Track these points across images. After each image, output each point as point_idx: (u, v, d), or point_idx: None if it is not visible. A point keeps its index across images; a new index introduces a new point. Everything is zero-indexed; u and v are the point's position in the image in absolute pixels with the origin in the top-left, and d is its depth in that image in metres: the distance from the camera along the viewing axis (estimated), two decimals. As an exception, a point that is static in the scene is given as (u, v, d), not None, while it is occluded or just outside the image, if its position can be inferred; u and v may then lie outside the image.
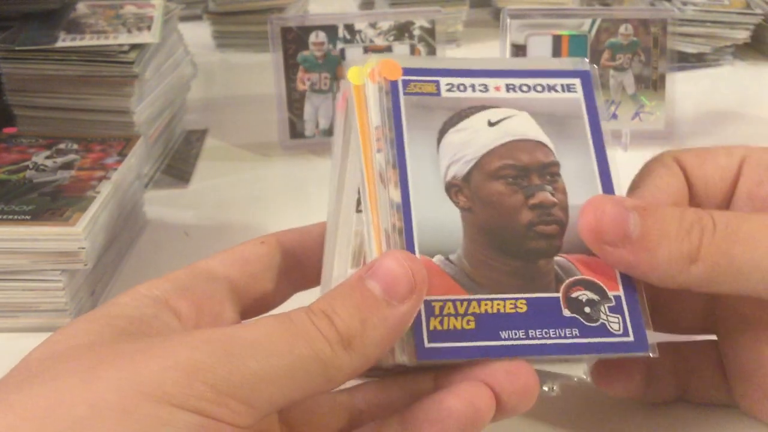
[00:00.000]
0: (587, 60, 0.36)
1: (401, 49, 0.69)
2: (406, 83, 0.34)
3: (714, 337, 0.36)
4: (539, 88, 0.35)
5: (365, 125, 0.33)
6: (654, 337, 0.31)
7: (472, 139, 0.33)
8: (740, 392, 0.35)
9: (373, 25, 0.69)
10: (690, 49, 0.92)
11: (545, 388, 0.30)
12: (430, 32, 0.69)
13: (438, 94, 0.34)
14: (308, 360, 0.25)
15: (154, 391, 0.23)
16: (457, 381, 0.29)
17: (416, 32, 0.69)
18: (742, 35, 0.93)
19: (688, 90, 0.80)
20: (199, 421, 0.23)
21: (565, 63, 0.36)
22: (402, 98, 0.33)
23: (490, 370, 0.29)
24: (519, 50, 0.67)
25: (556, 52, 0.68)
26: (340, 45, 0.68)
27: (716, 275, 0.30)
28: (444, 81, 0.34)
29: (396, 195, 0.31)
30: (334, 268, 0.32)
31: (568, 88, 0.35)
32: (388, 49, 0.69)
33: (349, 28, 0.69)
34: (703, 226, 0.30)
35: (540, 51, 0.67)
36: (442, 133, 0.33)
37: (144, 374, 0.23)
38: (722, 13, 0.92)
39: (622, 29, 0.70)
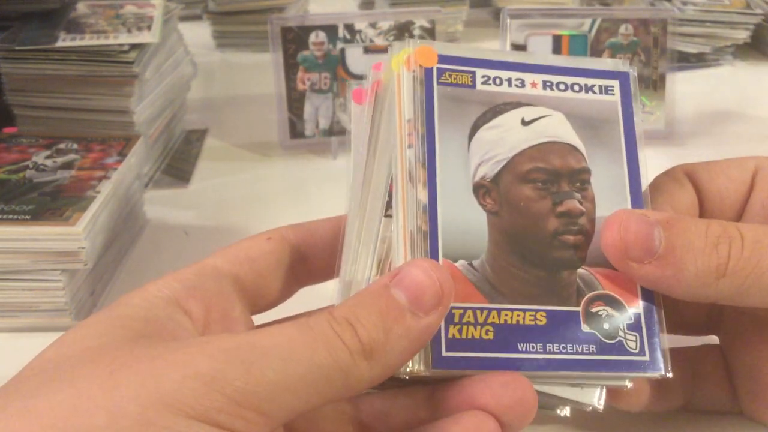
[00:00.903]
0: (628, 62, 0.35)
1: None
2: (441, 72, 0.32)
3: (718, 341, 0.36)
4: (576, 88, 0.34)
5: (402, 118, 0.31)
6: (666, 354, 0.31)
7: (504, 138, 0.32)
8: (745, 395, 0.35)
9: (373, 25, 0.69)
10: (690, 49, 0.92)
11: (558, 412, 0.30)
12: (430, 32, 0.69)
13: (473, 86, 0.32)
14: (328, 369, 0.25)
15: (173, 402, 0.22)
16: (456, 403, 0.28)
17: (416, 32, 0.69)
18: (742, 35, 0.93)
19: (688, 90, 0.80)
20: None
21: (606, 63, 0.35)
22: (435, 88, 0.32)
23: (488, 386, 0.28)
24: (519, 50, 0.67)
25: (556, 52, 0.68)
26: (340, 45, 0.68)
27: (745, 290, 0.29)
28: (480, 72, 0.33)
29: (423, 195, 0.30)
30: (357, 271, 0.31)
31: (606, 90, 0.34)
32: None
33: (349, 28, 0.68)
34: (730, 240, 0.29)
35: (540, 51, 0.67)
36: (474, 129, 0.32)
37: (164, 383, 0.23)
38: (722, 13, 0.92)
39: (622, 29, 0.70)
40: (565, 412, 0.30)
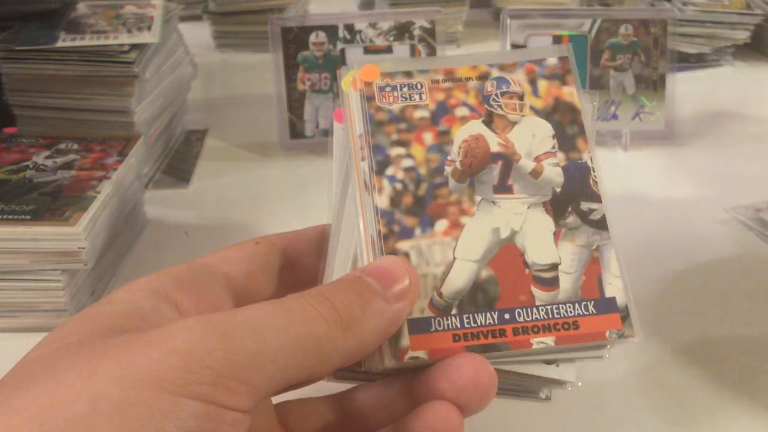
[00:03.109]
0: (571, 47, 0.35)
1: (401, 49, 0.69)
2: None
3: None
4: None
5: (354, 134, 0.33)
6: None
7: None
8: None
9: (373, 25, 0.69)
10: (690, 49, 0.92)
11: (541, 396, 0.31)
12: (430, 32, 0.69)
13: None
14: (304, 337, 0.25)
15: (152, 380, 0.22)
16: (424, 393, 0.29)
17: (416, 32, 0.69)
18: (742, 35, 0.93)
19: (688, 90, 0.80)
20: (201, 408, 0.23)
21: (549, 51, 0.35)
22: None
23: (444, 372, 0.28)
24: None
25: (556, 53, 0.68)
26: (340, 45, 0.68)
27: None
28: None
29: (379, 201, 0.31)
30: (334, 273, 0.32)
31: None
32: (389, 49, 0.69)
33: (349, 28, 0.69)
34: None
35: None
36: None
37: (141, 363, 0.23)
38: (722, 14, 0.92)
39: (622, 29, 0.70)
40: (546, 394, 0.31)
